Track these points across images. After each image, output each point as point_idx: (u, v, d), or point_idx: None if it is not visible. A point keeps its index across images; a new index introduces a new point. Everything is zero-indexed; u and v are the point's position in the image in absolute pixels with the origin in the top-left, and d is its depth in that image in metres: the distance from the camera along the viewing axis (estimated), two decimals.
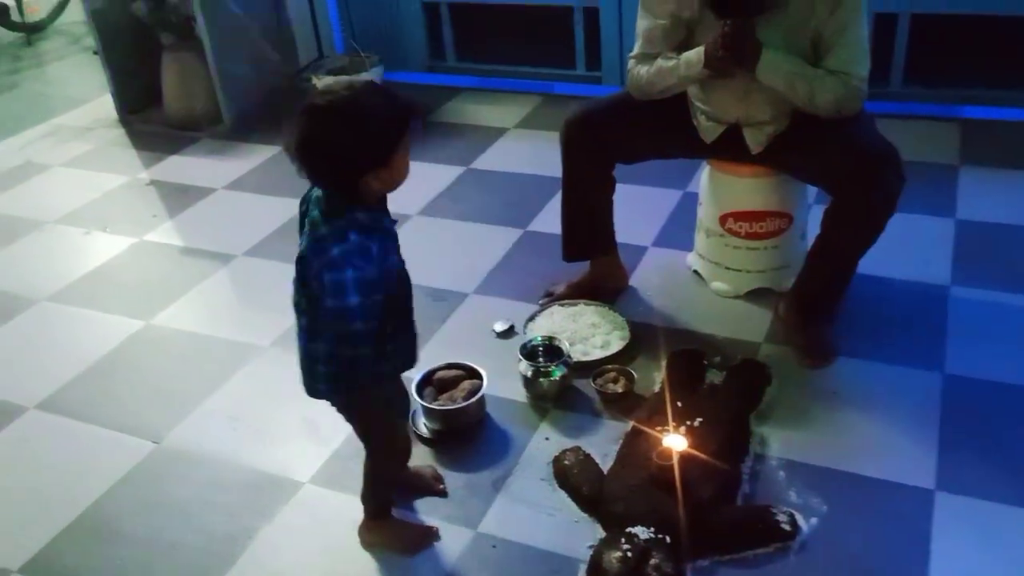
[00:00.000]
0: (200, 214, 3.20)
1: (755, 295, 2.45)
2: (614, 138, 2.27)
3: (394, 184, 1.46)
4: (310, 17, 3.84)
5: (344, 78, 1.27)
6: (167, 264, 2.90)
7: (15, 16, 5.45)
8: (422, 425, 2.06)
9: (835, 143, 2.05)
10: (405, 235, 2.72)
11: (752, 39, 1.99)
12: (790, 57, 2.02)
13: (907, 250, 2.55)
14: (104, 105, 4.08)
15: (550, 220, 2.90)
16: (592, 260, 2.49)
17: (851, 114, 2.06)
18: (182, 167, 3.57)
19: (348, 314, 1.41)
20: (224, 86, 3.72)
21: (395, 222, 1.55)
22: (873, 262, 2.29)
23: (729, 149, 2.25)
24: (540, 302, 2.49)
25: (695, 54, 2.06)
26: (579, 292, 2.48)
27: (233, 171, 3.47)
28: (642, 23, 2.18)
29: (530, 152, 3.42)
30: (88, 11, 3.79)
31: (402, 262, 1.56)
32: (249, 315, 2.59)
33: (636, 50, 2.21)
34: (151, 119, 3.97)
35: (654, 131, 2.29)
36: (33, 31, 5.48)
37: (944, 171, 3.00)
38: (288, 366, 2.29)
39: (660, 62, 2.14)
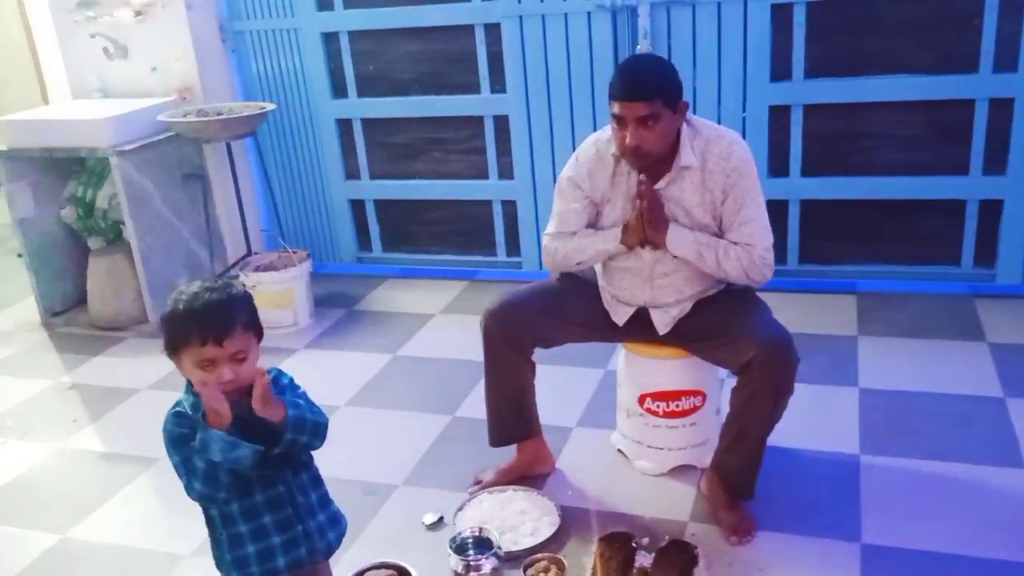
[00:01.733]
0: (123, 416, 3.16)
1: (679, 472, 2.51)
2: (531, 325, 2.38)
3: (194, 384, 1.54)
4: (239, 216, 3.98)
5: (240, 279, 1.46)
6: (87, 471, 2.84)
7: None
8: None
9: (733, 332, 2.21)
10: (333, 428, 2.76)
11: (661, 212, 2.20)
12: (694, 232, 2.22)
13: (817, 421, 2.67)
14: (27, 308, 4.07)
15: (477, 405, 2.94)
16: (519, 444, 2.54)
17: (761, 280, 2.25)
18: (106, 368, 3.55)
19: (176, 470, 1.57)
20: (151, 286, 3.78)
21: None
22: (786, 434, 2.40)
23: (640, 330, 2.40)
24: (469, 490, 2.50)
25: (611, 232, 2.29)
26: (507, 477, 2.52)
27: (158, 370, 3.46)
28: (557, 204, 2.39)
29: (456, 337, 3.52)
30: (16, 218, 3.86)
31: (251, 449, 1.53)
32: (170, 523, 2.52)
33: (551, 229, 2.40)
34: (75, 321, 3.98)
35: (569, 317, 2.42)
36: None
37: (844, 342, 3.19)
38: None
39: (578, 239, 2.34)
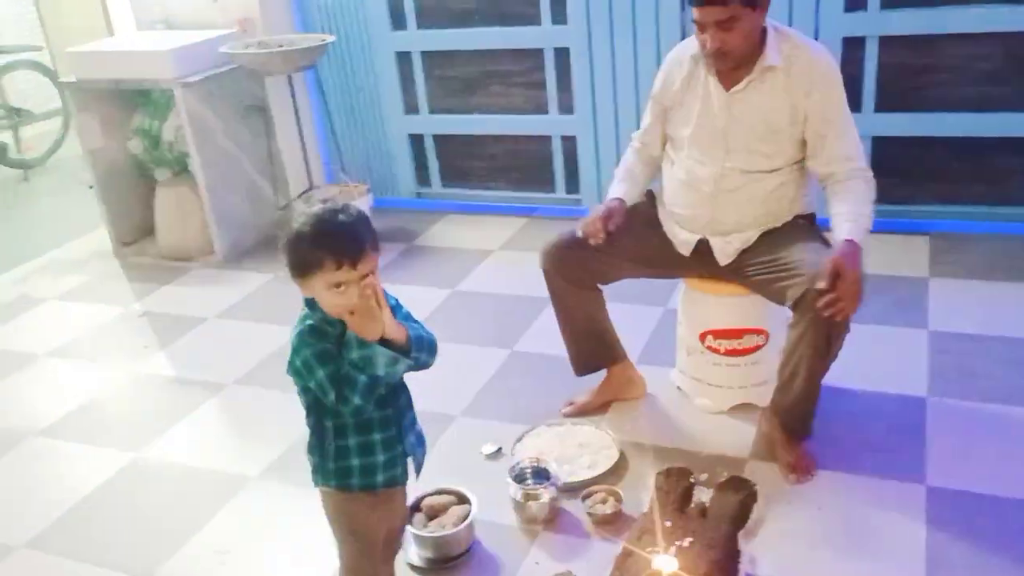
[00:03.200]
0: (192, 343, 3.25)
1: (739, 410, 2.50)
2: (589, 262, 2.37)
3: (323, 306, 1.52)
4: (300, 149, 4.00)
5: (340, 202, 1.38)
6: (158, 394, 2.94)
7: (12, 153, 5.64)
8: (413, 554, 2.06)
9: (788, 266, 2.16)
10: None
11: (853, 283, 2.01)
12: (856, 218, 2.13)
13: (883, 362, 2.62)
14: (99, 238, 4.18)
15: (536, 340, 2.98)
16: (607, 369, 2.57)
17: None
18: (174, 297, 3.65)
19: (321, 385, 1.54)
20: (216, 218, 3.84)
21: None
22: (850, 375, 2.37)
23: (700, 265, 2.36)
24: (563, 411, 2.56)
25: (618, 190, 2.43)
26: (599, 399, 2.58)
27: (224, 300, 3.54)
28: (645, 110, 2.46)
29: (515, 273, 3.51)
30: (86, 149, 3.94)
31: (406, 364, 1.56)
32: (239, 444, 2.61)
33: (636, 131, 2.49)
34: (145, 251, 4.08)
35: (628, 252, 2.39)
36: (30, 167, 5.65)
37: (914, 284, 3.10)
38: (278, 497, 2.33)
39: (615, 176, 2.46)
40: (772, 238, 2.27)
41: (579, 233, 2.30)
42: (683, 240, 2.37)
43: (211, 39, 3.80)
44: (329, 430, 1.62)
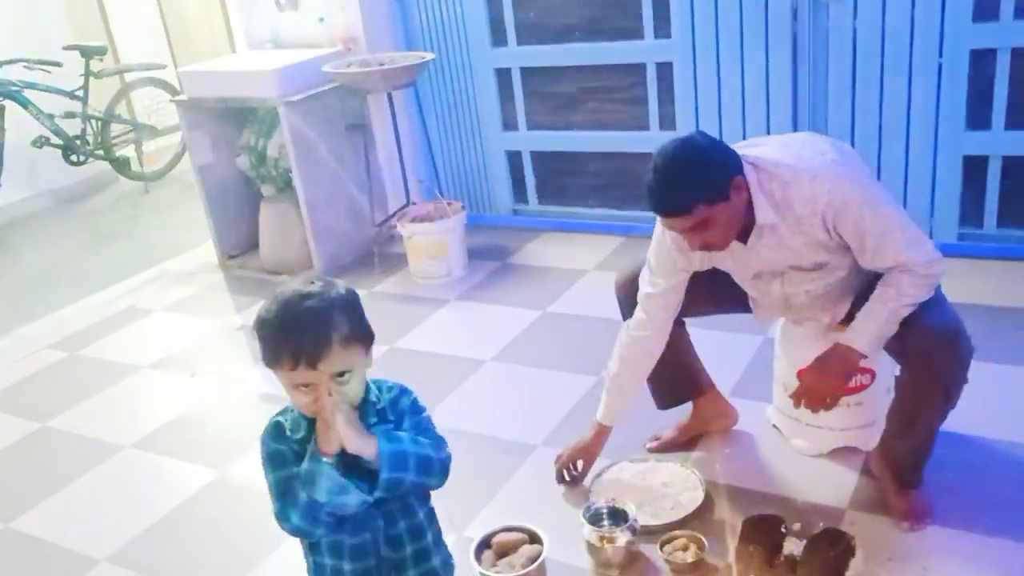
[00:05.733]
0: None
1: (839, 454, 2.31)
2: None
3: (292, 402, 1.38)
4: (399, 167, 4.02)
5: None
6: (247, 411, 2.98)
7: (135, 166, 5.93)
8: None
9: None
10: (477, 382, 2.73)
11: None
12: (868, 322, 1.94)
13: (1008, 407, 2.38)
14: (208, 251, 4.32)
15: None
16: (693, 402, 2.44)
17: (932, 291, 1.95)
18: None
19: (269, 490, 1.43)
20: (316, 233, 3.90)
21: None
22: (969, 420, 2.16)
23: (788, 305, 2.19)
24: (647, 447, 2.45)
25: (599, 411, 2.32)
26: (686, 434, 2.45)
27: None
28: (644, 275, 2.22)
29: (608, 295, 3.34)
30: (196, 165, 4.08)
31: (359, 498, 1.36)
32: None
33: (643, 278, 2.22)
34: (248, 264, 4.18)
35: (709, 289, 2.24)
36: (151, 180, 5.93)
37: None
38: None
39: (613, 360, 2.30)
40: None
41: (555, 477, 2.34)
42: (764, 315, 2.25)
43: (314, 58, 3.87)
44: (304, 542, 1.47)
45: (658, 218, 2.03)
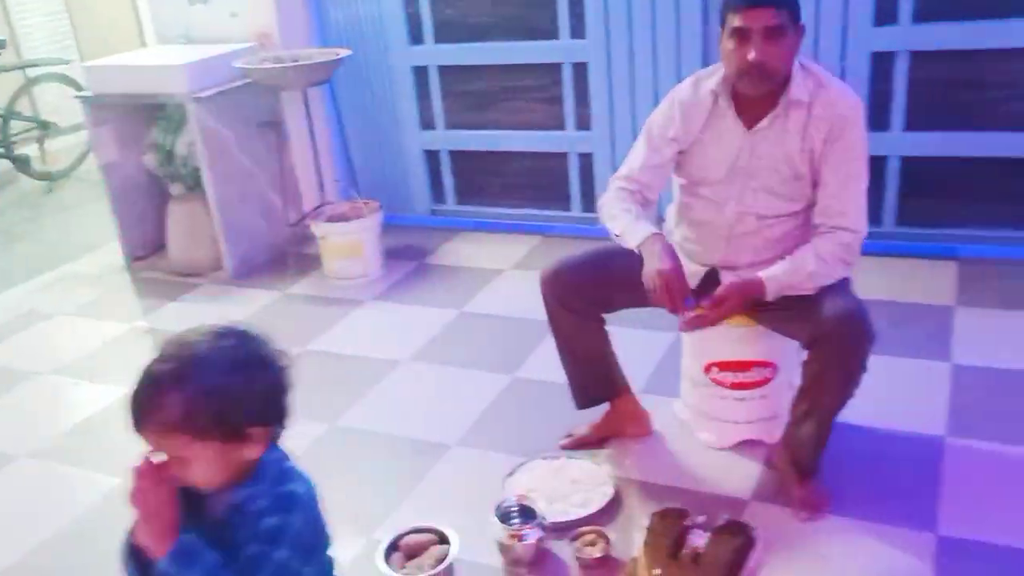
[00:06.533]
0: None
1: (744, 447, 2.37)
2: (589, 290, 2.26)
3: None
4: (314, 165, 3.96)
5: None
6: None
7: (38, 165, 5.70)
8: None
9: (804, 304, 2.03)
10: (392, 383, 2.71)
11: (736, 301, 2.05)
12: (788, 272, 2.03)
13: (900, 398, 2.47)
14: (113, 252, 4.18)
15: (539, 366, 2.88)
16: (610, 402, 2.45)
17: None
18: (180, 314, 3.61)
19: None
20: (227, 234, 3.81)
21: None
22: (865, 411, 2.23)
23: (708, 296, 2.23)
24: (561, 443, 2.44)
25: (642, 233, 2.09)
26: (599, 434, 2.46)
27: (231, 317, 3.48)
28: (639, 150, 2.24)
29: (523, 294, 3.39)
30: (100, 163, 3.94)
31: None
32: None
33: (622, 172, 2.26)
34: (156, 266, 4.06)
35: (631, 281, 2.26)
36: (54, 180, 5.71)
37: (940, 313, 2.94)
38: None
39: (622, 213, 2.17)
40: None
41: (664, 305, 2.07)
42: (691, 272, 2.24)
43: (226, 53, 3.78)
44: None
45: (672, 95, 2.18)
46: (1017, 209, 3.30)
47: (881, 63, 3.26)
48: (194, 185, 3.96)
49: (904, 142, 3.33)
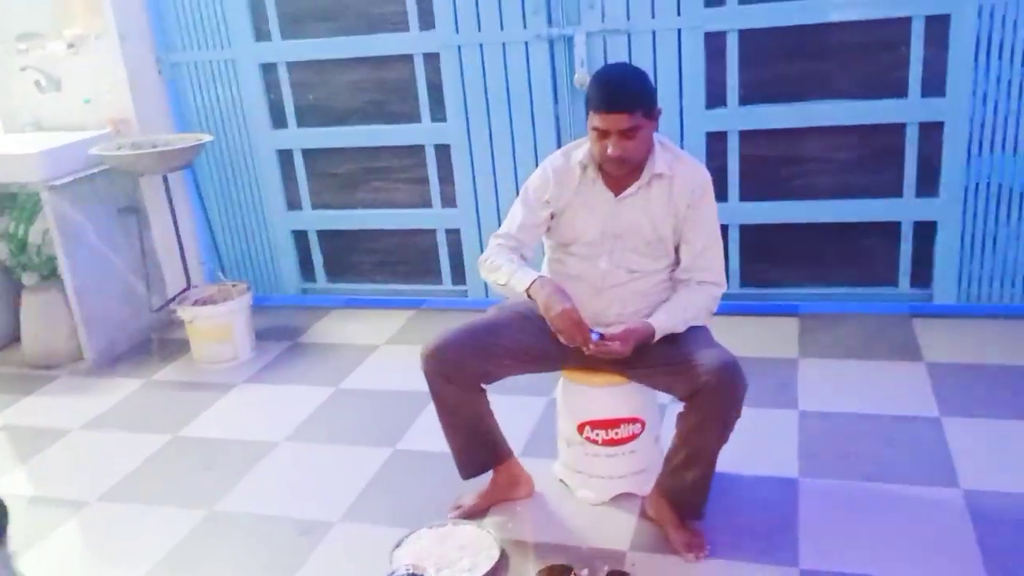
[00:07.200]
0: (52, 458, 3.06)
1: (620, 500, 2.49)
2: (470, 363, 2.34)
3: None
4: (177, 249, 3.90)
5: None
6: (12, 518, 2.73)
7: None
8: None
9: (680, 359, 2.20)
10: (269, 464, 2.70)
11: (627, 343, 2.20)
12: (672, 315, 2.27)
13: (757, 445, 2.67)
14: None
15: (419, 436, 2.93)
16: (493, 469, 2.52)
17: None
18: (37, 408, 3.44)
19: None
20: (87, 322, 3.69)
21: None
22: (725, 459, 2.37)
23: (582, 358, 2.34)
24: (450, 515, 2.48)
25: (527, 278, 2.24)
26: (486, 502, 2.51)
27: (92, 409, 3.37)
28: (516, 212, 2.41)
29: (400, 368, 3.46)
30: None
31: None
32: (97, 567, 2.44)
33: (501, 230, 2.44)
34: (9, 360, 3.86)
35: (509, 351, 2.38)
36: None
37: (785, 365, 3.21)
38: None
39: (507, 263, 2.32)
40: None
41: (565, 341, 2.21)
42: None
43: (81, 140, 3.71)
44: None
45: (546, 164, 2.37)
46: (847, 267, 3.66)
47: (715, 142, 3.59)
48: (49, 274, 3.82)
49: (741, 211, 3.65)
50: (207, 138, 3.78)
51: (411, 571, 2.14)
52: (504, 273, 2.30)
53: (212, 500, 2.69)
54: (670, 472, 2.29)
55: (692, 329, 2.31)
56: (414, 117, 3.90)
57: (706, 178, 2.33)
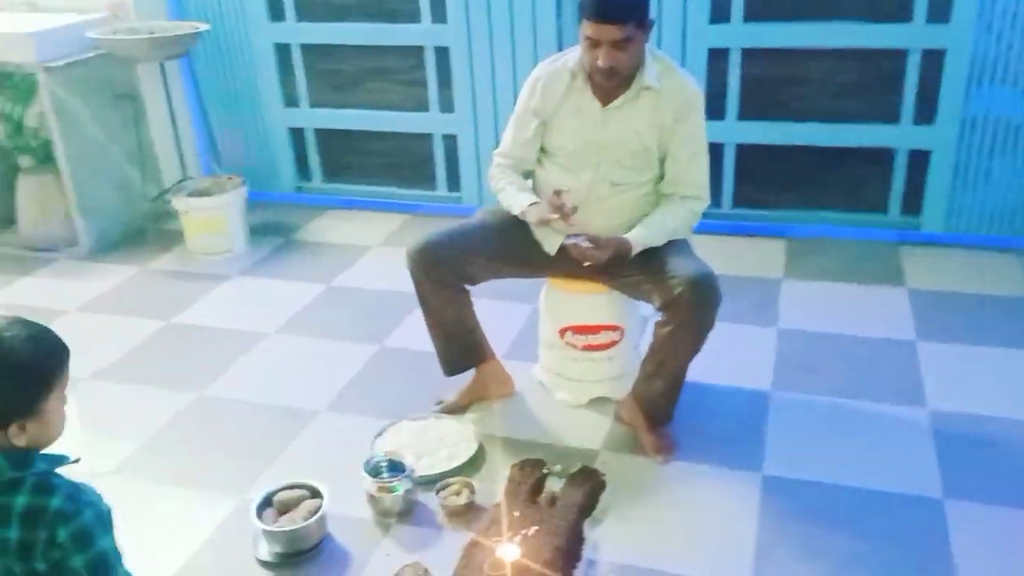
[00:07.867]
0: None
1: (595, 403, 2.58)
2: (454, 263, 2.40)
3: (47, 439, 1.34)
4: (174, 140, 3.90)
5: None
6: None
7: None
8: (263, 549, 2.05)
9: (659, 269, 2.25)
10: (259, 354, 2.75)
11: (605, 250, 2.25)
12: (650, 230, 2.29)
13: (734, 358, 2.75)
14: None
15: (406, 336, 2.99)
16: (476, 368, 2.59)
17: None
18: (34, 290, 3.50)
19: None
20: (82, 208, 3.71)
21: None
22: (702, 370, 2.48)
23: (567, 265, 2.40)
24: (432, 410, 2.57)
25: (526, 200, 2.34)
26: (467, 398, 2.61)
27: (87, 292, 3.43)
28: (510, 128, 2.46)
29: (391, 269, 3.49)
30: None
31: None
32: (91, 441, 2.53)
33: (500, 149, 2.49)
34: (5, 241, 3.90)
35: (494, 253, 2.43)
36: None
37: (769, 284, 3.26)
38: (133, 493, 2.26)
39: (507, 185, 2.42)
40: None
41: (541, 220, 2.31)
42: (551, 240, 2.43)
43: (77, 22, 3.67)
44: None
45: (532, 73, 2.39)
46: (837, 192, 3.67)
47: (717, 59, 3.55)
48: (45, 158, 3.82)
49: (738, 130, 3.64)
50: (203, 27, 3.73)
51: (391, 457, 2.23)
52: (504, 197, 2.42)
53: (202, 384, 2.78)
54: (643, 378, 2.37)
55: (673, 242, 2.35)
56: (415, 17, 3.84)
57: (695, 91, 2.32)
